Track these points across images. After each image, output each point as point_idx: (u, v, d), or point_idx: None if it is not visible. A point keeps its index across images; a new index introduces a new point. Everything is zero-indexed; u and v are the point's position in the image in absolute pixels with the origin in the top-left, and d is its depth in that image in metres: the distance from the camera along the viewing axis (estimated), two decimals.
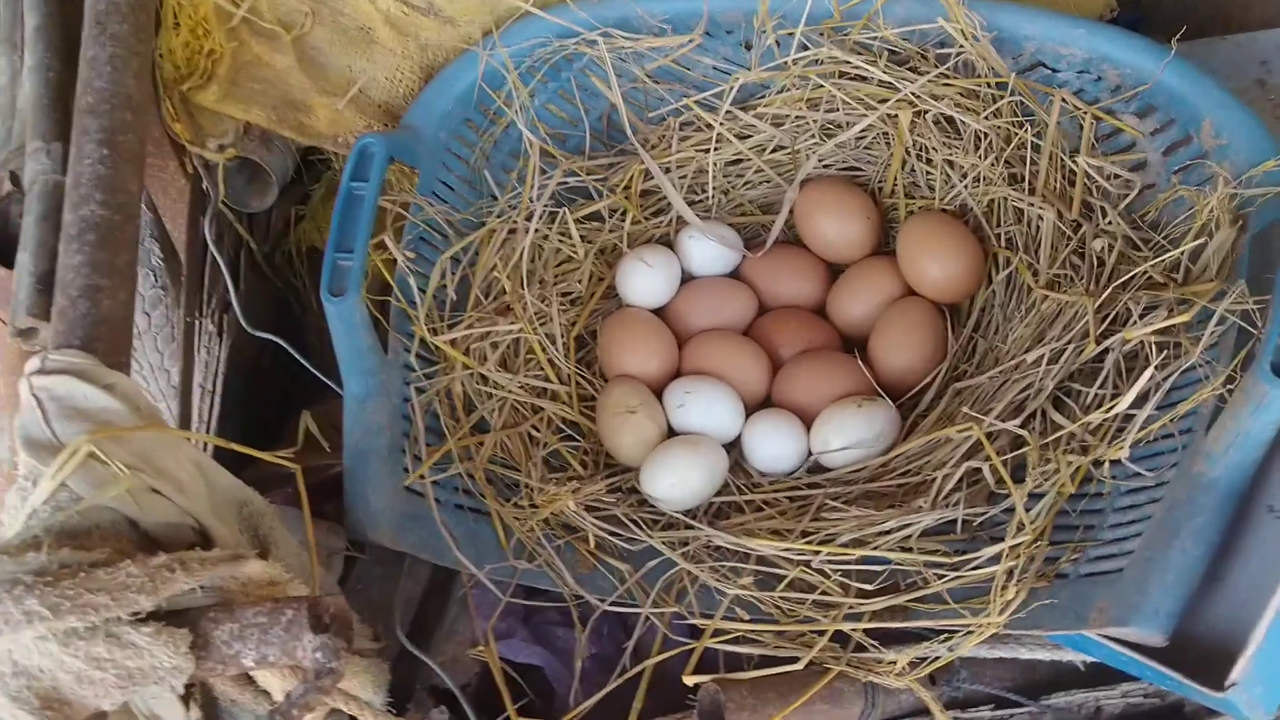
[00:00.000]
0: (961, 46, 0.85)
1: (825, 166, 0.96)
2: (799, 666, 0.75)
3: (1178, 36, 0.80)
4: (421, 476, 0.82)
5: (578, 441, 0.91)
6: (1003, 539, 0.77)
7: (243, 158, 0.97)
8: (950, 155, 0.90)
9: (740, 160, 0.97)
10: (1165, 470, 0.73)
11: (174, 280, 1.13)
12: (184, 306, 0.97)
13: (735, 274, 0.99)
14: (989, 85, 0.87)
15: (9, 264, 0.79)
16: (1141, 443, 0.75)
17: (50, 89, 0.85)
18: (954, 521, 0.79)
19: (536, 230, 0.93)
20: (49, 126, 0.82)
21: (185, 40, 0.91)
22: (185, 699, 0.65)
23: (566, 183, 0.96)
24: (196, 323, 0.98)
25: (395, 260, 0.86)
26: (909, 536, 0.79)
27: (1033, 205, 0.86)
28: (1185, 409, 0.72)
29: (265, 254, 1.07)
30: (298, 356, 0.94)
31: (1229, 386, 0.70)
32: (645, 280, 0.95)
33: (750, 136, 0.96)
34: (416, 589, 0.88)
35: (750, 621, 0.78)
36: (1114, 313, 0.80)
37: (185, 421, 0.94)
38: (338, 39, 0.94)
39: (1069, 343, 0.81)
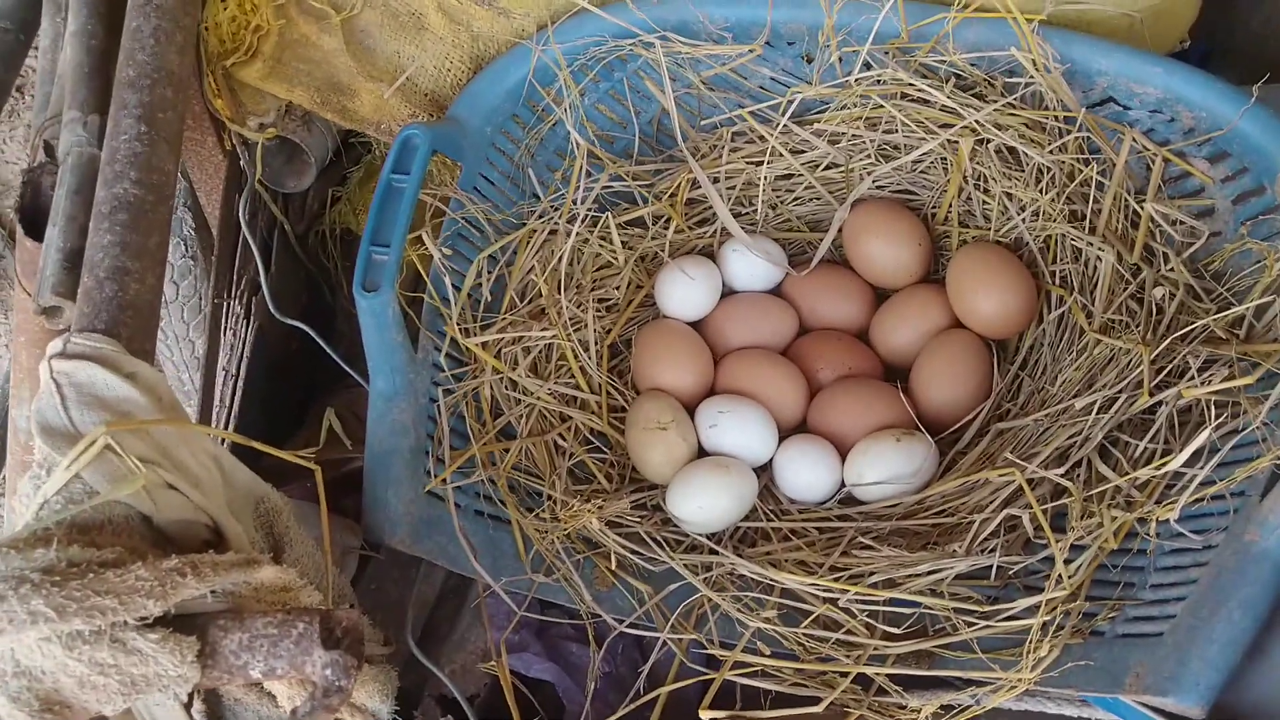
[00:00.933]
0: (1032, 77, 0.82)
1: (878, 188, 0.93)
2: (819, 709, 0.72)
3: (1260, 83, 0.77)
4: (444, 481, 0.80)
5: (605, 454, 0.88)
6: (1038, 588, 0.74)
7: (282, 137, 0.95)
8: (1010, 187, 0.87)
9: (791, 175, 0.94)
10: (1214, 534, 0.70)
11: (205, 252, 1.11)
12: (213, 287, 0.95)
13: (777, 291, 0.97)
14: (1056, 119, 0.84)
15: (38, 236, 0.77)
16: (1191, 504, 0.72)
17: (91, 56, 0.83)
18: (988, 567, 0.77)
19: (577, 234, 0.90)
20: (87, 96, 0.80)
21: (232, 14, 0.89)
22: (187, 706, 0.64)
23: (611, 186, 0.94)
24: (225, 304, 0.96)
25: (431, 256, 0.84)
26: (941, 581, 0.76)
27: (1092, 245, 0.83)
28: (1241, 475, 0.69)
29: (299, 235, 1.05)
30: (325, 347, 0.91)
31: None
32: (685, 291, 0.92)
33: (804, 152, 0.93)
34: (430, 593, 0.87)
35: (771, 656, 0.76)
36: (1170, 365, 0.77)
37: (207, 406, 0.92)
38: (388, 23, 0.92)
39: (1120, 392, 0.78)
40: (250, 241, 0.94)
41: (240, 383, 0.94)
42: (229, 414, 0.94)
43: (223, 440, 0.85)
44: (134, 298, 0.70)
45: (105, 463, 0.62)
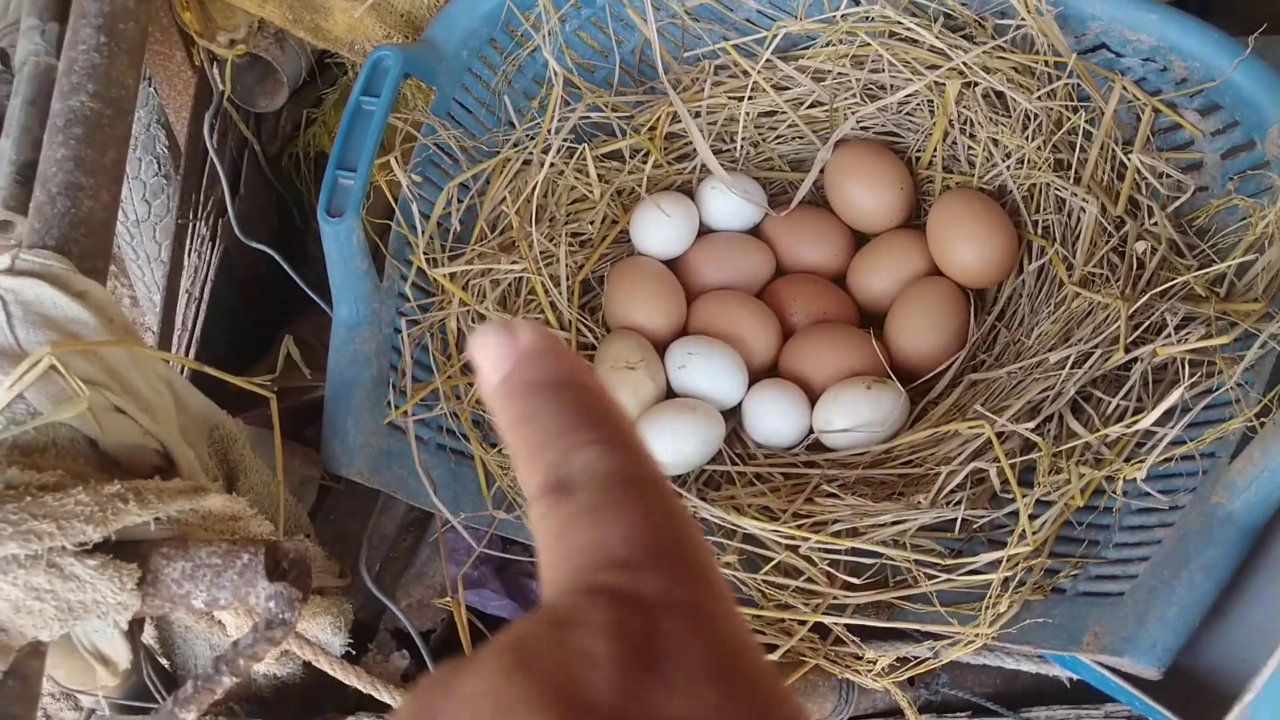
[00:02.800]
0: (1023, 19, 0.80)
1: (863, 129, 0.91)
2: (775, 656, 0.72)
3: (1255, 34, 0.75)
4: (405, 413, 0.79)
5: None
6: (1002, 543, 0.73)
7: (254, 55, 0.92)
8: (995, 133, 0.84)
9: (774, 113, 0.92)
10: (1181, 494, 0.69)
11: (178, 169, 1.09)
12: (177, 207, 0.92)
13: (755, 231, 0.94)
14: (1046, 64, 0.81)
15: None
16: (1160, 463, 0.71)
17: None
18: (953, 520, 0.76)
19: (552, 165, 0.88)
20: (46, 4, 0.78)
21: None
22: (130, 634, 0.63)
23: (589, 117, 0.91)
24: (190, 225, 0.93)
25: (400, 182, 0.82)
26: (904, 532, 0.75)
27: (1076, 195, 0.81)
28: (1212, 436, 0.68)
29: (271, 156, 1.03)
30: (290, 272, 0.90)
31: (1261, 418, 0.66)
32: (661, 229, 0.90)
33: (788, 89, 0.90)
34: (391, 526, 0.86)
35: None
36: (1148, 321, 0.75)
37: (168, 329, 0.91)
38: None
39: (1096, 347, 0.77)
40: (216, 161, 0.92)
41: (204, 305, 0.92)
42: (191, 337, 0.92)
43: (182, 368, 0.84)
44: (87, 214, 0.68)
45: (50, 383, 0.60)
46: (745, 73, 0.90)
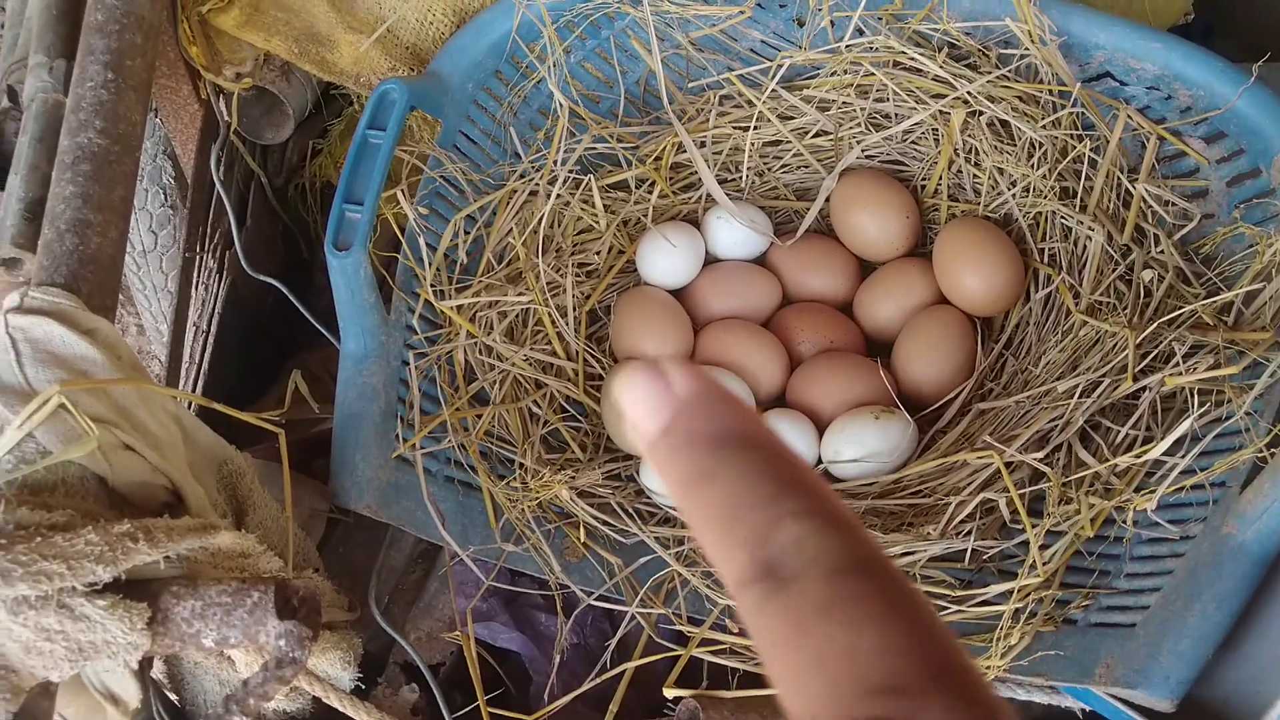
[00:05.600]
0: (1027, 49, 0.80)
1: (868, 158, 0.91)
2: None
3: (1260, 62, 0.75)
4: (414, 446, 0.79)
5: (579, 422, 0.87)
6: (1013, 573, 0.73)
7: (260, 87, 0.92)
8: (1001, 162, 0.85)
9: (779, 142, 0.92)
10: (1192, 524, 0.69)
11: (185, 201, 1.09)
12: (184, 241, 0.92)
13: (761, 260, 0.95)
14: (1051, 92, 0.82)
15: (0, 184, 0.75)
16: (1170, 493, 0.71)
17: None
18: (963, 550, 0.75)
19: (558, 196, 0.88)
20: (54, 41, 0.78)
21: None
22: (139, 672, 0.62)
23: (595, 148, 0.91)
24: (197, 258, 0.94)
25: (407, 215, 0.82)
26: (915, 563, 0.75)
27: (1082, 224, 0.81)
28: (1222, 466, 0.68)
29: (278, 187, 1.03)
30: (298, 305, 0.90)
31: (1272, 448, 0.66)
32: (667, 259, 0.90)
33: (793, 118, 0.91)
34: (400, 558, 0.85)
35: (739, 634, 0.75)
36: (1156, 350, 0.75)
37: (176, 363, 0.91)
38: None
39: (1104, 376, 0.76)
40: (223, 195, 0.92)
41: (211, 339, 0.92)
42: (199, 371, 0.92)
43: (189, 404, 0.84)
44: (96, 252, 0.68)
45: (59, 422, 0.60)
46: (750, 102, 0.91)
